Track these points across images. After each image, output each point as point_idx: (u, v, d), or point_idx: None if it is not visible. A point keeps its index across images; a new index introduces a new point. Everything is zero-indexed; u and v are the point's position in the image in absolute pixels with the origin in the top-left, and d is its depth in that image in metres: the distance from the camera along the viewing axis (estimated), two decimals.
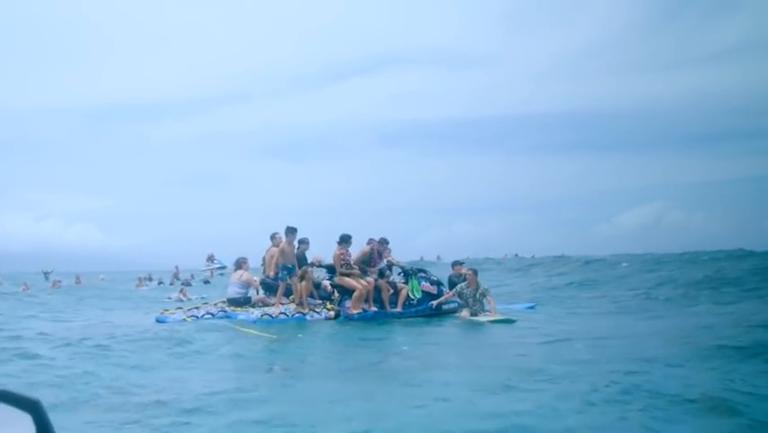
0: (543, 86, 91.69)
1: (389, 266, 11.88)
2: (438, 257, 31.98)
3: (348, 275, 11.07)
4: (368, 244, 11.50)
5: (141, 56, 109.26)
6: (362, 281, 10.96)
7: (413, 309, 11.44)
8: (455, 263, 12.88)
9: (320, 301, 11.28)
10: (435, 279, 12.16)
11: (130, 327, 10.13)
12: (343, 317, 10.88)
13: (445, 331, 9.98)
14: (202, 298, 18.09)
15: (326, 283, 11.53)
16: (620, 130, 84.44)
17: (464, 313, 11.12)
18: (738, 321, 8.89)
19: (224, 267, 32.23)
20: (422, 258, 30.30)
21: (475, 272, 11.49)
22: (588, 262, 28.71)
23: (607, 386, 5.04)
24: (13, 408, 0.99)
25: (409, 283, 11.68)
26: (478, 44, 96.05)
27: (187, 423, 4.34)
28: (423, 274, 12.11)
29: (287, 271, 10.90)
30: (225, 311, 11.38)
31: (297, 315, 10.72)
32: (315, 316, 10.81)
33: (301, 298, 10.97)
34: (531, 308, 13.07)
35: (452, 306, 11.61)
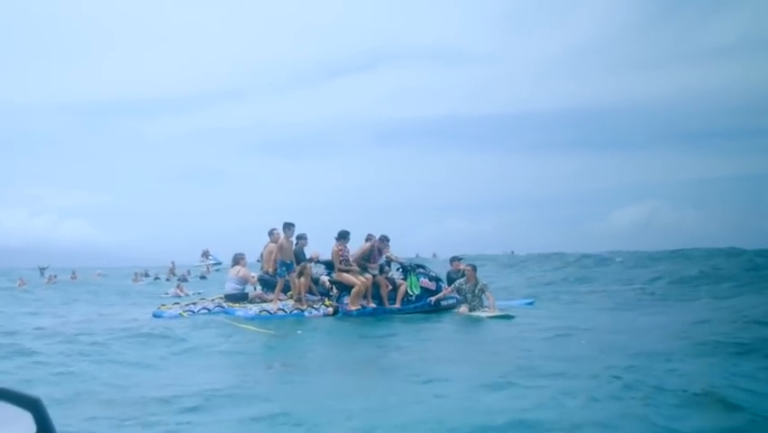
0: (540, 83, 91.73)
1: (388, 262, 11.85)
2: (434, 254, 32.01)
3: (347, 271, 11.04)
4: (366, 240, 11.47)
5: (137, 52, 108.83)
6: (361, 278, 10.93)
7: (411, 306, 11.42)
8: (453, 259, 12.86)
9: (318, 297, 11.25)
10: (434, 275, 12.14)
11: (127, 322, 10.09)
12: (342, 313, 10.85)
13: (445, 327, 9.97)
14: (198, 293, 18.06)
15: (325, 279, 11.49)
16: (618, 128, 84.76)
17: (463, 309, 11.11)
18: (735, 316, 8.93)
19: (219, 263, 32.22)
20: (417, 255, 30.32)
21: (474, 268, 11.47)
22: (583, 256, 28.85)
23: (609, 382, 5.04)
24: (13, 406, 0.98)
25: (408, 279, 11.66)
26: (476, 41, 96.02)
27: (189, 422, 4.30)
28: (421, 270, 12.08)
29: (285, 268, 10.85)
30: (222, 307, 11.36)
31: (295, 311, 10.68)
32: (314, 312, 10.77)
33: (299, 294, 10.93)
34: (530, 303, 13.07)
35: (450, 302, 11.60)
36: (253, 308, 10.75)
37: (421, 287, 11.67)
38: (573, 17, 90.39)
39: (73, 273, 29.85)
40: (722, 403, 4.39)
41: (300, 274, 11.01)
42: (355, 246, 11.45)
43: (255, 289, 11.98)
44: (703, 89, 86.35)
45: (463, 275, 11.54)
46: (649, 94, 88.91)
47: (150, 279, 28.30)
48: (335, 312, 10.88)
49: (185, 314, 10.99)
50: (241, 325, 9.68)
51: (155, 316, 11.09)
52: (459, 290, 11.39)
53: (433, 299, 11.53)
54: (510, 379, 5.36)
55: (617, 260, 26.94)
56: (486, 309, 10.85)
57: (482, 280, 11.46)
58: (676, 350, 6.59)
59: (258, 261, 13.42)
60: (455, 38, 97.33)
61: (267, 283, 11.62)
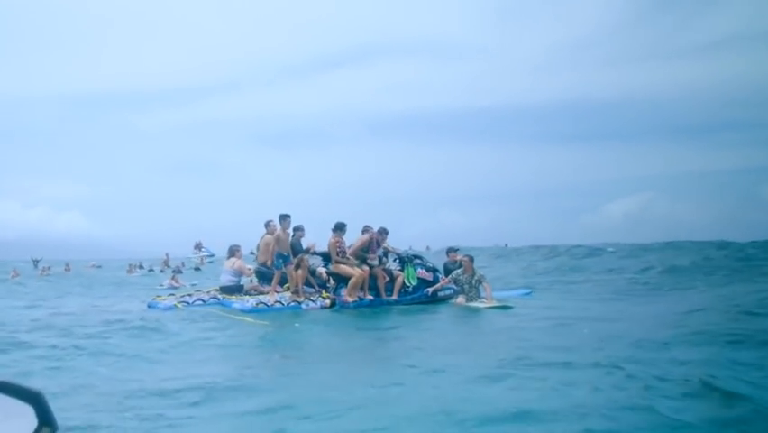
0: (536, 77, 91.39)
1: (385, 253, 11.82)
2: (427, 247, 31.97)
3: (343, 263, 11.00)
4: (363, 232, 11.41)
5: (130, 44, 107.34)
6: (358, 269, 10.89)
7: (409, 297, 11.41)
8: (450, 250, 12.87)
9: (315, 290, 11.20)
10: (431, 265, 12.13)
11: (123, 313, 10.04)
12: (339, 305, 10.81)
13: (443, 318, 9.97)
14: (193, 285, 18.00)
15: (321, 270, 11.45)
16: (614, 121, 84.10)
17: (460, 299, 11.12)
18: (730, 306, 8.96)
19: (212, 255, 32.12)
20: (410, 247, 30.23)
21: (471, 259, 11.46)
22: (573, 247, 28.99)
23: (610, 372, 5.03)
24: (15, 399, 0.98)
25: (405, 270, 11.64)
26: (472, 34, 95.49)
27: (191, 417, 4.25)
28: (419, 261, 12.07)
29: (282, 260, 10.79)
30: (218, 298, 11.33)
31: (292, 303, 10.63)
32: (311, 304, 10.74)
33: (297, 286, 10.88)
34: (527, 294, 13.09)
35: (447, 293, 11.59)
36: (250, 301, 10.70)
37: (418, 278, 11.66)
38: (570, 10, 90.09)
39: (67, 265, 29.76)
40: (724, 393, 4.39)
41: (297, 266, 10.95)
42: (352, 238, 11.42)
43: (252, 281, 11.94)
44: (700, 82, 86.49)
45: (460, 266, 11.53)
46: (646, 87, 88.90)
47: (145, 270, 28.21)
48: (333, 304, 10.85)
49: (180, 305, 10.97)
50: (237, 317, 9.64)
51: (150, 306, 11.11)
52: (456, 281, 11.38)
53: (430, 290, 11.53)
54: (512, 369, 5.35)
55: (609, 250, 27.09)
56: (483, 300, 10.85)
57: (479, 271, 11.46)
58: (674, 339, 6.62)
59: (251, 253, 13.38)
60: (452, 30, 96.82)
61: (263, 275, 11.57)
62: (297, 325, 8.93)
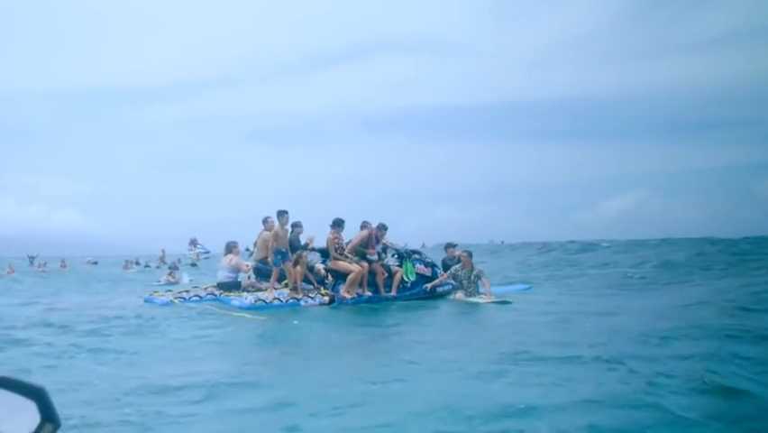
0: (533, 74, 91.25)
1: (384, 249, 11.78)
2: (423, 244, 31.92)
3: (342, 259, 10.95)
4: (362, 228, 11.36)
5: (128, 40, 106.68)
6: (356, 265, 10.84)
7: (407, 293, 11.37)
8: (448, 246, 12.82)
9: (313, 286, 11.15)
10: (430, 261, 12.10)
11: (120, 309, 9.99)
12: (338, 302, 10.76)
13: (443, 313, 9.95)
14: (190, 280, 17.94)
15: (320, 267, 11.40)
16: (610, 118, 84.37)
17: (459, 295, 11.10)
18: (726, 300, 8.96)
19: (207, 252, 32.00)
20: (406, 244, 30.16)
21: (470, 254, 11.44)
22: (568, 242, 29.05)
23: (613, 367, 5.02)
24: (17, 395, 0.97)
25: (404, 266, 11.60)
26: (469, 31, 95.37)
27: (193, 414, 4.21)
28: (417, 256, 12.04)
29: (280, 256, 10.72)
30: (215, 294, 11.28)
31: (291, 300, 10.57)
32: (310, 301, 10.68)
33: (295, 283, 10.82)
34: (526, 289, 13.08)
35: (446, 288, 11.57)
36: (249, 297, 10.65)
37: (417, 273, 11.63)
38: (567, 7, 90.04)
39: (62, 261, 29.64)
40: (728, 389, 4.38)
41: (296, 263, 10.89)
42: (350, 234, 11.37)
43: (249, 277, 11.88)
44: (696, 80, 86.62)
45: (459, 261, 11.51)
46: (642, 84, 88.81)
47: (141, 267, 28.10)
48: (331, 301, 10.79)
49: (176, 301, 10.93)
50: (236, 314, 9.60)
51: (147, 301, 11.11)
52: (455, 277, 11.36)
53: (429, 285, 11.49)
54: (513, 364, 5.33)
55: (603, 245, 27.17)
56: (482, 296, 10.84)
57: (478, 267, 11.44)
58: (674, 333, 6.61)
59: (247, 249, 13.32)
60: (449, 28, 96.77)
61: (261, 272, 11.51)
62: (295, 322, 8.88)
